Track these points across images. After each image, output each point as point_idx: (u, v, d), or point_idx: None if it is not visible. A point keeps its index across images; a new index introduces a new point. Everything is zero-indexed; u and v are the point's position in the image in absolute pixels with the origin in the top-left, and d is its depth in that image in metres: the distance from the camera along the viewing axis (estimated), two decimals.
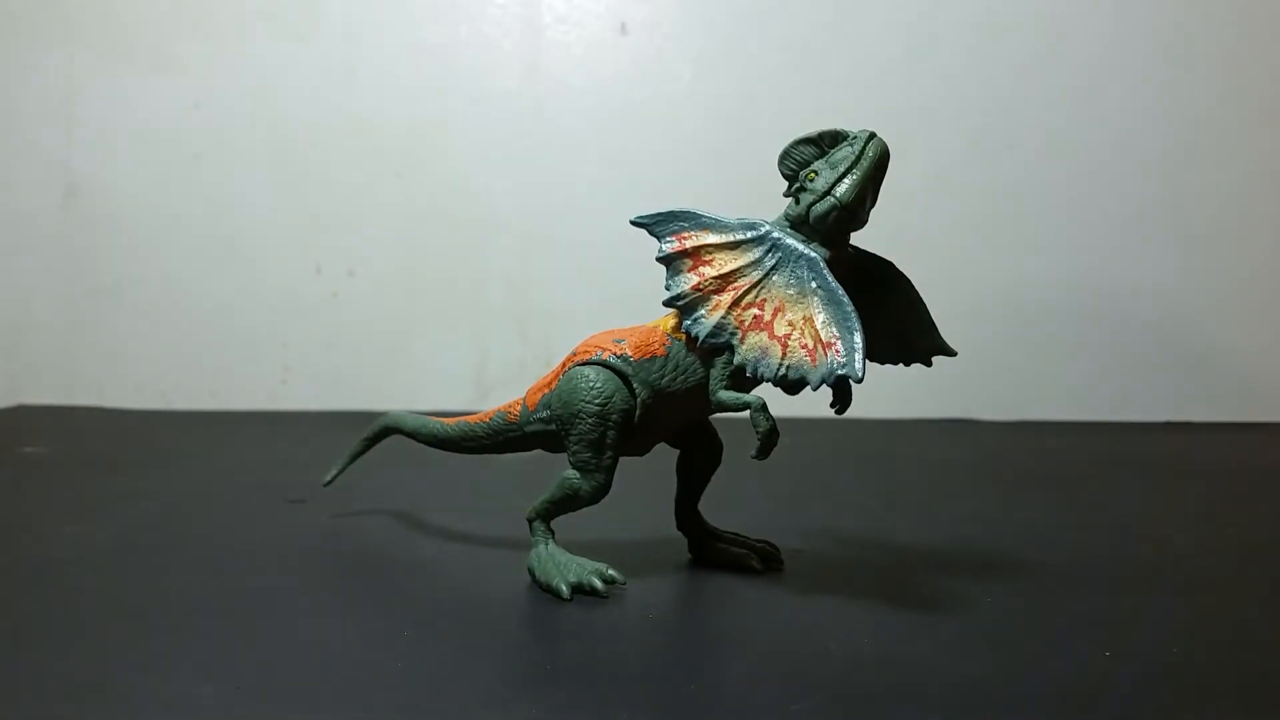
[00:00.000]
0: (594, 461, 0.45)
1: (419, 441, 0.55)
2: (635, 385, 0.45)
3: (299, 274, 1.07)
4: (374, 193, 1.07)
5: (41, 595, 0.45)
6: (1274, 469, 0.82)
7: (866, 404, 0.60)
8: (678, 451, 0.51)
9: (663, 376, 0.45)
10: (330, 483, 0.60)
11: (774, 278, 0.43)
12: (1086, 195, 1.05)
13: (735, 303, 0.43)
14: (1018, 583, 0.48)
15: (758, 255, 0.43)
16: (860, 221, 0.43)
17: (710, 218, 0.44)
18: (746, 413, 0.43)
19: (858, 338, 0.40)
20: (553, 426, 0.47)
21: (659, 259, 0.45)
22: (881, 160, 0.42)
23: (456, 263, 1.07)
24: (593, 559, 0.46)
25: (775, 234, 0.43)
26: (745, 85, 1.05)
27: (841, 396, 0.45)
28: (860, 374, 0.40)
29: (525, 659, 0.38)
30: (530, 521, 0.48)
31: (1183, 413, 1.05)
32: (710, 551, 0.51)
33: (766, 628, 0.41)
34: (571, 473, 0.46)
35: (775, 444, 0.42)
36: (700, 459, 0.50)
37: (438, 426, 0.54)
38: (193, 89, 1.06)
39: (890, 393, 0.84)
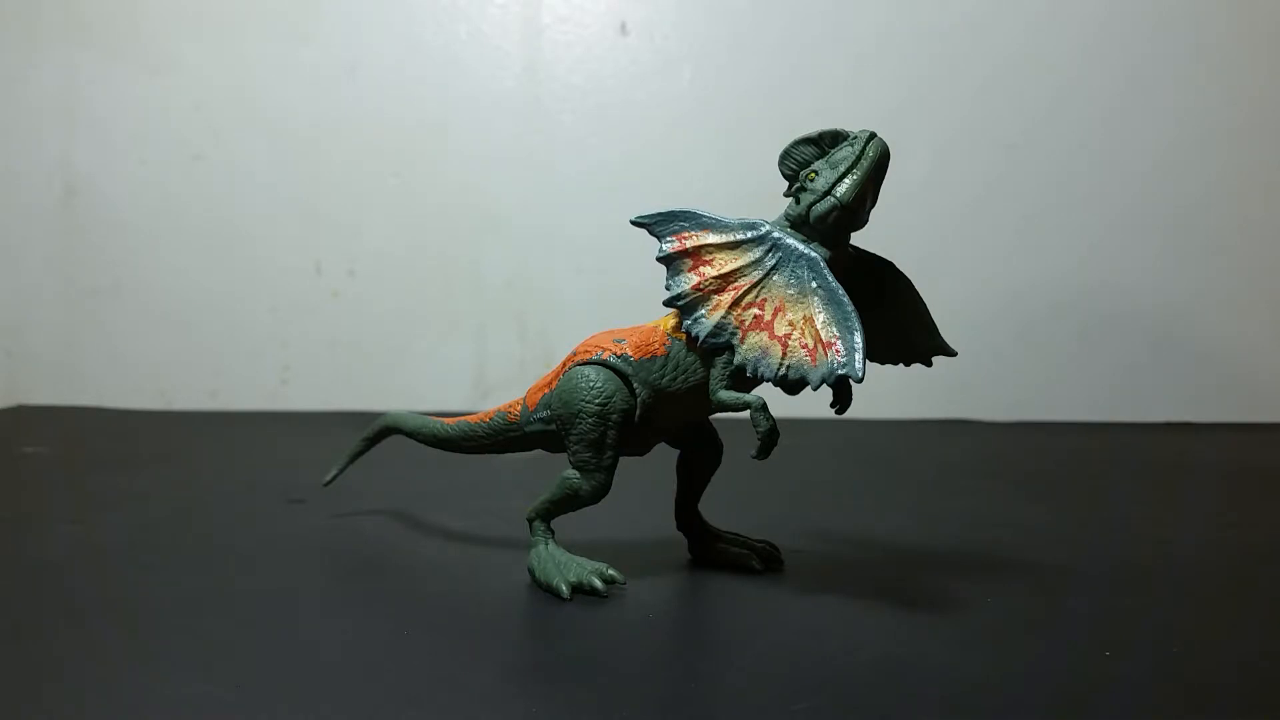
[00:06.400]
0: (594, 461, 0.45)
1: (419, 441, 0.55)
2: (635, 385, 0.45)
3: (299, 274, 1.07)
4: (374, 193, 1.07)
5: (41, 595, 0.45)
6: (1274, 469, 0.82)
7: (866, 404, 0.60)
8: (678, 451, 0.51)
9: (663, 376, 0.45)
10: (330, 483, 0.60)
11: (774, 278, 0.43)
12: (1086, 195, 1.05)
13: (735, 303, 0.43)
14: (1018, 583, 0.48)
15: (758, 255, 0.43)
16: (860, 221, 0.43)
17: (710, 218, 0.44)
18: (746, 413, 0.43)
19: (858, 337, 0.40)
20: (553, 426, 0.47)
21: (659, 259, 0.45)
22: (882, 160, 0.42)
23: (456, 263, 1.07)
24: (593, 559, 0.46)
25: (775, 234, 0.43)
26: (745, 85, 1.05)
27: (841, 396, 0.45)
28: (860, 374, 0.40)
29: (525, 658, 0.38)
30: (530, 521, 0.48)
31: (1183, 413, 1.05)
32: (710, 551, 0.51)
33: (766, 628, 0.41)
34: (571, 472, 0.46)
35: (775, 444, 0.42)
36: (700, 459, 0.50)
37: (438, 426, 0.54)
38: (193, 89, 1.06)
39: (890, 393, 0.84)
